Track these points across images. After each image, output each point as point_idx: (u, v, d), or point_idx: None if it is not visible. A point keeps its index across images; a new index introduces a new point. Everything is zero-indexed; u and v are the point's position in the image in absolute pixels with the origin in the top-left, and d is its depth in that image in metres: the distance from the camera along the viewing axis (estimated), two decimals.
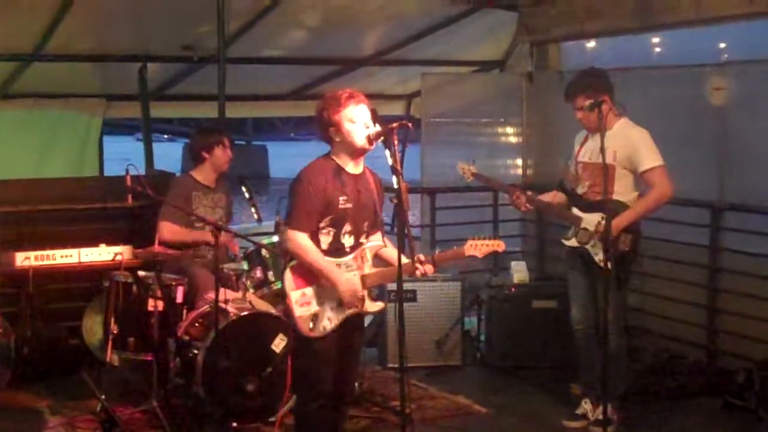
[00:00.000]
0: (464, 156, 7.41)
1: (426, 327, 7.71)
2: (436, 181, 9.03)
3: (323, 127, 5.13)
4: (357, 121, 5.05)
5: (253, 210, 7.09)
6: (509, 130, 9.80)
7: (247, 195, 7.16)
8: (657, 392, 7.06)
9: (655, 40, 8.91)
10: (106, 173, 9.87)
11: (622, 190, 6.32)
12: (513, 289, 7.91)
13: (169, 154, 23.32)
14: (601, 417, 6.32)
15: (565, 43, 9.45)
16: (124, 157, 10.39)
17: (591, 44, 9.33)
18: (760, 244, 7.22)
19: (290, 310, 5.05)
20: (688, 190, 7.05)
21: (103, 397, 6.09)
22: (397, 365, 7.28)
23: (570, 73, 8.89)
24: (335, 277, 5.06)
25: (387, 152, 5.20)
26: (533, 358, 7.75)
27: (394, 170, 5.19)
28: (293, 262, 5.08)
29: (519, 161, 9.74)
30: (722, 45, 7.94)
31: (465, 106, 9.68)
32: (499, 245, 5.31)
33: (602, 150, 5.76)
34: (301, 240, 5.01)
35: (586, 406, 6.60)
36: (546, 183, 8.24)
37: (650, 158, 6.25)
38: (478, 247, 5.26)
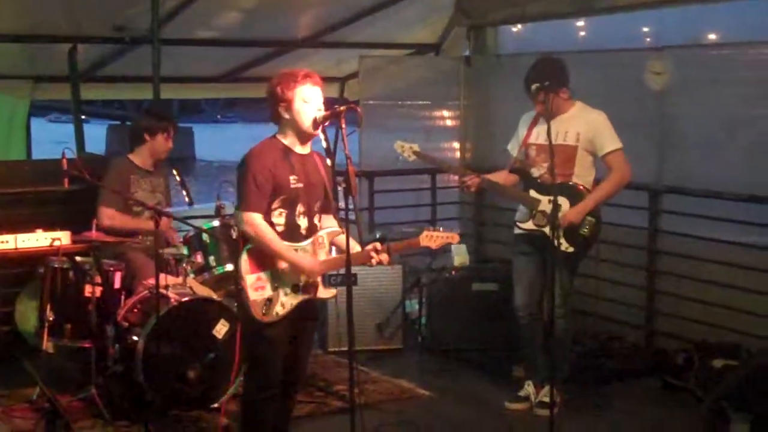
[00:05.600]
0: (403, 138, 7.36)
1: (367, 311, 7.67)
2: (374, 164, 8.98)
3: (274, 103, 5.04)
4: (310, 101, 4.99)
5: (184, 193, 6.97)
6: (446, 113, 9.80)
7: (177, 178, 7.05)
8: (597, 374, 7.12)
9: (594, 23, 8.94)
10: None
11: (582, 172, 6.37)
12: (453, 272, 7.91)
13: (88, 136, 23.01)
14: (544, 399, 6.40)
15: (502, 27, 9.46)
16: (41, 138, 10.24)
17: (528, 28, 9.34)
18: (697, 226, 7.31)
19: (245, 294, 4.97)
20: None
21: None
22: (337, 349, 7.42)
23: (508, 57, 9.01)
24: (293, 257, 5.00)
25: (321, 135, 5.16)
26: (474, 340, 7.74)
27: (328, 152, 5.18)
28: (249, 246, 5.00)
29: (456, 144, 9.74)
30: (660, 29, 8.02)
31: (402, 88, 9.66)
32: (454, 237, 5.32)
33: (548, 132, 5.76)
34: (256, 221, 4.93)
35: (528, 388, 6.62)
36: (484, 166, 8.27)
37: (611, 141, 6.33)
38: (433, 239, 5.25)
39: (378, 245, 5.08)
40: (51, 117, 36.55)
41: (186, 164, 28.33)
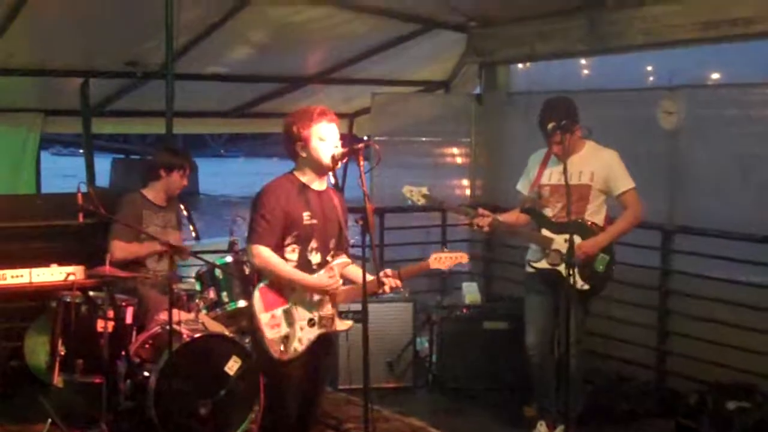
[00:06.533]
0: (413, 175, 7.35)
1: (377, 348, 7.59)
2: (384, 201, 8.97)
3: (290, 141, 5.06)
4: (326, 138, 5.00)
5: (191, 228, 6.96)
6: (456, 150, 9.82)
7: (185, 213, 7.04)
8: (610, 414, 7.06)
9: (606, 62, 8.99)
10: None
11: (595, 209, 6.38)
12: (465, 310, 7.88)
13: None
14: None
15: (513, 65, 9.50)
16: (46, 171, 10.24)
17: (540, 66, 9.38)
18: (709, 266, 7.29)
19: (261, 334, 4.94)
20: None
21: (49, 421, 5.94)
22: (348, 386, 7.38)
23: (519, 95, 9.04)
24: (305, 280, 5.00)
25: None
26: (484, 379, 7.72)
27: (336, 188, 5.19)
28: (261, 284, 4.99)
29: (465, 181, 9.75)
30: (671, 69, 8.07)
31: (413, 125, 9.67)
32: (463, 257, 5.34)
33: (565, 172, 5.80)
34: (264, 253, 4.94)
35: (541, 428, 6.58)
36: (494, 203, 8.28)
37: (625, 181, 6.38)
38: (442, 260, 5.25)
39: (388, 271, 5.08)
40: (54, 150, 36.59)
41: (190, 199, 28.36)
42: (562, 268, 6.23)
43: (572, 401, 6.26)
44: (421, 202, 6.47)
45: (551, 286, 6.39)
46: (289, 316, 5.00)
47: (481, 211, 6.50)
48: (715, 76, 9.52)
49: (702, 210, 7.39)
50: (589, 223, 6.36)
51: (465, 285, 8.15)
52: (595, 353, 7.79)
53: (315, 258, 5.09)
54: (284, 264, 4.98)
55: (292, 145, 5.06)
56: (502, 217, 6.58)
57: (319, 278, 5.04)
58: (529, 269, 6.55)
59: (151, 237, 6.63)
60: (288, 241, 5.00)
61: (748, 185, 7.14)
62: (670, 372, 7.61)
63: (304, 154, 5.03)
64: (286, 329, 4.98)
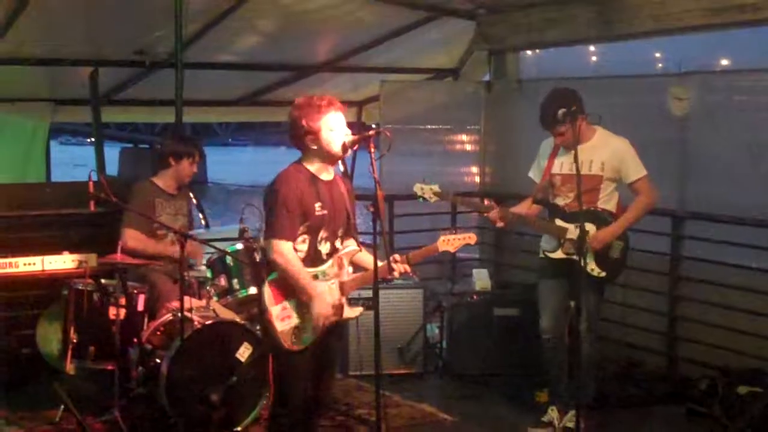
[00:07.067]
0: (422, 163, 7.32)
1: (388, 334, 7.61)
2: (393, 189, 8.97)
3: (299, 135, 5.01)
4: (336, 128, 4.99)
5: (200, 216, 6.97)
6: (465, 137, 9.82)
7: (194, 201, 7.05)
8: (621, 400, 7.07)
9: (615, 49, 8.98)
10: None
11: (606, 198, 6.38)
12: (475, 297, 7.89)
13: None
14: (569, 424, 6.38)
15: (523, 52, 9.49)
16: (54, 160, 10.31)
17: (549, 54, 9.37)
18: (720, 252, 7.30)
19: (272, 326, 4.94)
20: None
21: (62, 408, 5.95)
22: (358, 373, 7.40)
23: (528, 82, 9.02)
24: (314, 295, 4.95)
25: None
26: (495, 365, 7.72)
27: (345, 176, 5.19)
28: (271, 276, 4.98)
29: (475, 169, 9.76)
30: (681, 55, 8.07)
31: (423, 113, 9.68)
32: (471, 238, 5.32)
33: (575, 161, 5.78)
34: (286, 250, 4.89)
35: (552, 413, 6.58)
36: (503, 191, 8.30)
37: (637, 169, 6.36)
38: (450, 242, 5.25)
39: (397, 256, 5.07)
40: (62, 139, 36.63)
41: (199, 187, 28.41)
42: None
43: (584, 387, 6.29)
44: (433, 199, 6.44)
45: (565, 273, 6.37)
46: (299, 307, 4.99)
47: (494, 206, 6.46)
48: (725, 62, 9.51)
49: (712, 196, 7.38)
50: (605, 211, 6.36)
51: (475, 271, 8.16)
52: (607, 339, 7.81)
53: (324, 248, 5.08)
54: (303, 270, 4.93)
55: (301, 139, 5.01)
56: (515, 209, 6.57)
57: (324, 304, 4.97)
58: (543, 256, 6.55)
59: (164, 226, 6.65)
60: (300, 231, 4.97)
61: (759, 171, 7.13)
62: (681, 358, 7.61)
63: (314, 147, 4.99)
64: (296, 320, 4.97)
